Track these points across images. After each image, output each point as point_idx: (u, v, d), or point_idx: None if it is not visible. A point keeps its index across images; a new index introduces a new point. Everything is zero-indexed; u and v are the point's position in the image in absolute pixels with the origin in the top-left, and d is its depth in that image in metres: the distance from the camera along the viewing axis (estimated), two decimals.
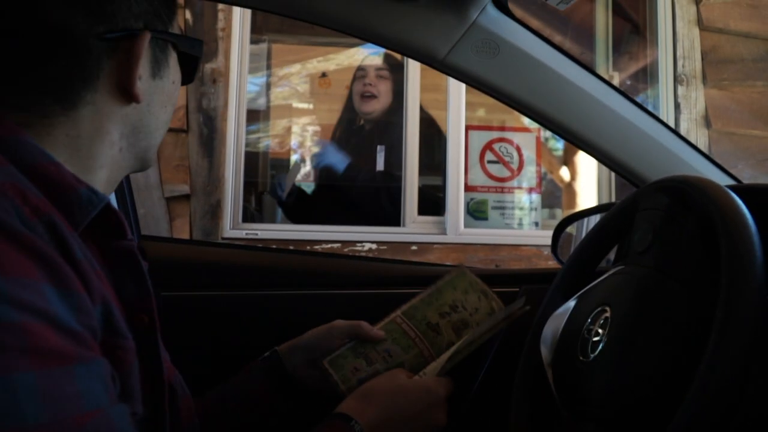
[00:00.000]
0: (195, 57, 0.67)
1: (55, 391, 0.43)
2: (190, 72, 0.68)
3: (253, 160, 3.21)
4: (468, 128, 2.84)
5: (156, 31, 0.60)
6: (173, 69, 0.65)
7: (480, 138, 2.90)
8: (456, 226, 2.75)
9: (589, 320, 0.72)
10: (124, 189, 1.24)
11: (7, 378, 0.41)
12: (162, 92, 0.63)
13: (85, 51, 0.55)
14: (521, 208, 2.93)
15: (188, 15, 2.60)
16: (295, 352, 0.88)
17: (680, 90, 2.88)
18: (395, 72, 2.82)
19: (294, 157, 2.83)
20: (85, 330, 0.47)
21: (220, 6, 2.62)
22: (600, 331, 0.69)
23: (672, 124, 2.83)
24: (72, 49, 0.55)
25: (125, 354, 0.53)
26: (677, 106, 2.88)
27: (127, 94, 0.58)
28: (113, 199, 1.19)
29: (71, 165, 0.56)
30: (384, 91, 2.74)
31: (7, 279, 0.43)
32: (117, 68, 0.57)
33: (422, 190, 2.78)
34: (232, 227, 2.65)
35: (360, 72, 2.77)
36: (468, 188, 2.83)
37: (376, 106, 2.75)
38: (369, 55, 3.18)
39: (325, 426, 0.69)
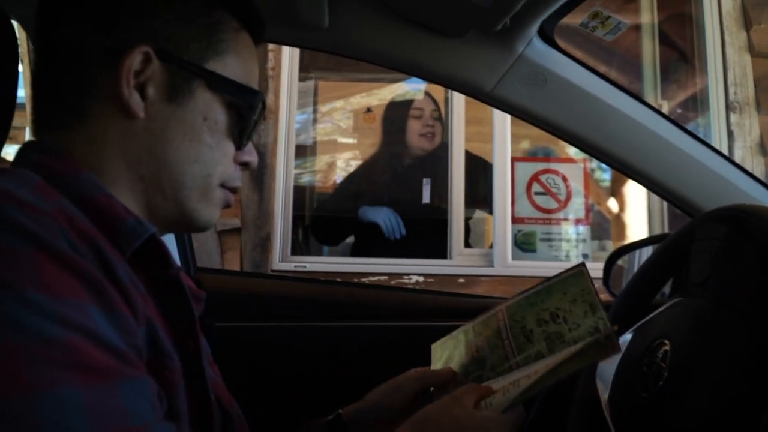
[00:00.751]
0: (242, 106, 0.65)
1: (102, 407, 0.44)
2: (240, 124, 0.66)
3: (300, 194, 3.26)
4: (514, 160, 2.83)
5: (169, 54, 0.60)
6: (202, 104, 0.63)
7: (526, 169, 2.88)
8: (504, 258, 2.72)
9: (648, 354, 0.70)
10: None
11: (55, 393, 0.42)
12: (182, 122, 0.62)
13: (86, 61, 0.59)
14: (569, 240, 2.89)
15: None
16: (362, 416, 0.83)
17: (733, 117, 2.82)
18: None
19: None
20: (129, 349, 0.48)
21: (271, 46, 2.71)
22: (660, 365, 0.67)
23: (726, 152, 2.77)
24: (75, 61, 0.59)
25: (171, 374, 0.55)
26: (730, 134, 2.82)
27: (126, 107, 0.59)
28: (171, 235, 1.22)
29: (98, 175, 0.58)
30: (438, 131, 2.79)
31: (56, 299, 0.44)
32: (115, 79, 0.59)
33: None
34: (282, 260, 2.69)
35: (416, 111, 2.80)
36: (515, 220, 2.81)
37: (434, 144, 2.79)
38: (410, 90, 3.22)
39: None
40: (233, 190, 0.69)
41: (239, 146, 0.67)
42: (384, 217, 2.66)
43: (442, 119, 2.83)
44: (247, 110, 0.65)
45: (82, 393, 0.43)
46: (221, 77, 0.63)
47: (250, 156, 0.69)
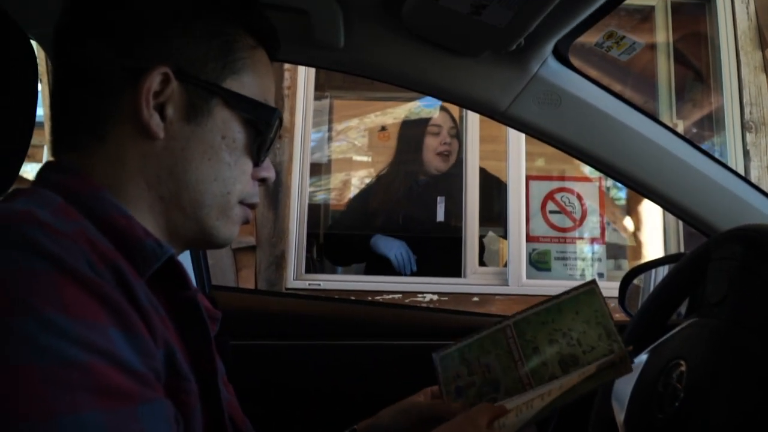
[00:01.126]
0: (260, 123, 0.66)
1: (121, 430, 0.44)
2: (258, 141, 0.66)
3: (314, 212, 3.27)
4: (528, 178, 2.82)
5: (187, 74, 0.61)
6: (221, 123, 0.63)
7: (540, 188, 2.88)
8: (518, 277, 2.71)
9: (664, 375, 0.69)
10: None
11: (77, 417, 0.42)
12: (201, 141, 0.62)
13: (107, 83, 0.60)
14: (584, 259, 2.87)
15: None
16: None
17: (749, 137, 2.80)
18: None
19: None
20: (149, 372, 0.49)
21: (286, 66, 2.74)
22: (676, 386, 0.66)
23: (742, 171, 2.74)
24: (95, 82, 0.60)
25: (188, 397, 0.55)
26: (746, 153, 2.80)
27: (146, 129, 0.60)
28: (187, 253, 1.24)
29: (117, 195, 0.59)
30: (454, 149, 2.78)
31: (76, 321, 0.45)
32: (135, 101, 0.59)
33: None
34: (296, 278, 2.69)
35: (433, 128, 2.79)
36: (530, 238, 2.80)
37: (450, 162, 2.78)
38: (424, 108, 3.23)
39: None
40: (252, 206, 0.69)
41: (257, 163, 0.67)
42: (396, 252, 2.63)
43: (459, 136, 2.82)
44: (264, 127, 0.66)
45: (104, 417, 0.43)
46: (239, 95, 0.64)
47: (268, 172, 0.70)
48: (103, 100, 0.60)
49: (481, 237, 2.85)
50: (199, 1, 0.64)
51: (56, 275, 0.45)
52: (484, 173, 2.85)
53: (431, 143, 2.76)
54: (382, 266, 2.66)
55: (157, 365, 0.51)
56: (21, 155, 0.68)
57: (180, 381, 0.54)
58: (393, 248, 2.64)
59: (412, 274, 2.66)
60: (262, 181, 0.70)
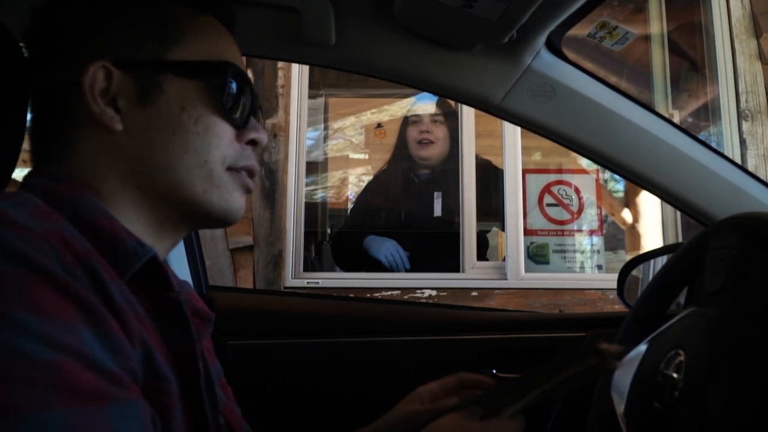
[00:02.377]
0: (216, 78, 0.63)
1: (88, 430, 0.42)
2: (227, 102, 0.64)
3: (312, 210, 3.27)
4: (525, 172, 2.82)
5: (123, 61, 0.61)
6: (176, 95, 0.62)
7: (537, 181, 2.88)
8: (516, 270, 2.71)
9: (663, 365, 0.69)
10: (193, 243, 1.29)
11: (39, 415, 0.41)
12: (161, 119, 0.61)
13: (51, 92, 0.62)
14: (583, 252, 2.87)
15: (250, 74, 2.72)
16: None
17: (745, 126, 2.80)
18: (449, 118, 2.84)
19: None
20: (122, 371, 0.47)
21: (280, 64, 2.73)
22: (675, 375, 0.66)
23: (738, 160, 2.74)
24: (45, 95, 0.62)
25: (167, 398, 0.54)
26: (743, 142, 2.80)
27: (104, 124, 0.60)
28: (183, 253, 1.23)
29: (98, 197, 0.59)
30: (441, 136, 2.76)
31: (43, 318, 0.43)
32: (85, 102, 0.60)
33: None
34: (294, 276, 2.69)
35: (414, 118, 2.80)
36: (527, 232, 2.80)
37: (434, 152, 2.76)
38: (420, 104, 3.23)
39: None
40: (249, 172, 0.67)
41: (237, 125, 0.66)
42: (386, 254, 2.61)
43: (447, 125, 2.79)
44: (221, 83, 0.63)
45: (69, 416, 0.42)
46: (185, 63, 0.62)
47: (257, 133, 0.68)
48: (60, 113, 0.62)
49: (485, 233, 2.85)
50: None
51: (24, 274, 0.45)
52: (481, 168, 2.84)
53: (411, 133, 2.77)
54: (381, 265, 2.66)
55: (132, 365, 0.49)
56: (12, 160, 0.68)
57: (159, 382, 0.54)
58: (383, 250, 2.62)
59: (408, 271, 2.65)
60: (253, 143, 0.68)
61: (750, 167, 2.74)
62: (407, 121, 2.85)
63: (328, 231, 3.49)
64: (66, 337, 0.44)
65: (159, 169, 0.61)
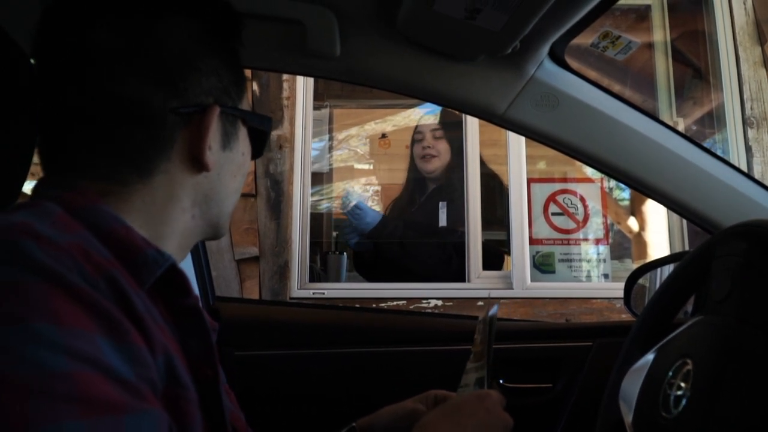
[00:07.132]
0: (264, 132, 0.72)
1: None
2: (259, 146, 0.73)
3: (317, 221, 3.27)
4: (530, 181, 2.82)
5: (225, 106, 0.64)
6: (242, 141, 0.69)
7: (542, 190, 2.87)
8: (522, 280, 2.70)
9: (670, 374, 0.69)
10: (200, 254, 1.29)
11: (56, 426, 0.41)
12: (232, 163, 0.67)
13: (161, 123, 0.60)
14: (589, 260, 2.86)
15: (255, 86, 2.73)
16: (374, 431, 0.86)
17: (750, 133, 2.79)
18: (452, 129, 2.87)
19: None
20: (141, 381, 0.48)
21: (285, 76, 2.75)
22: (682, 384, 0.66)
23: (744, 168, 2.74)
24: (148, 122, 0.59)
25: (187, 405, 0.54)
26: (748, 149, 2.79)
27: (198, 163, 0.62)
28: (190, 264, 1.24)
29: (145, 230, 0.59)
30: (443, 149, 2.82)
31: (62, 329, 0.44)
32: (189, 139, 0.61)
33: (484, 245, 2.76)
34: (300, 287, 2.69)
35: (417, 135, 2.86)
36: (533, 241, 2.79)
37: (437, 164, 2.82)
38: (424, 115, 3.25)
39: None
40: None
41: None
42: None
43: (449, 137, 2.85)
44: (266, 135, 0.72)
45: (85, 426, 0.42)
46: (251, 113, 0.69)
47: None
48: (154, 138, 0.60)
49: (500, 243, 2.86)
50: (219, 29, 0.65)
51: (45, 286, 0.45)
52: (486, 177, 2.84)
53: (416, 150, 2.87)
54: (399, 274, 2.67)
55: (151, 375, 0.50)
56: (23, 173, 0.68)
57: (179, 389, 0.54)
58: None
59: (419, 280, 2.65)
60: None
61: (756, 174, 2.73)
62: (413, 140, 2.90)
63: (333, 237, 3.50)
64: (84, 347, 0.44)
65: (218, 204, 0.67)
